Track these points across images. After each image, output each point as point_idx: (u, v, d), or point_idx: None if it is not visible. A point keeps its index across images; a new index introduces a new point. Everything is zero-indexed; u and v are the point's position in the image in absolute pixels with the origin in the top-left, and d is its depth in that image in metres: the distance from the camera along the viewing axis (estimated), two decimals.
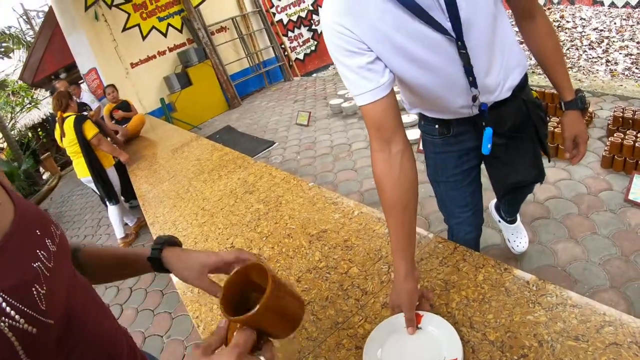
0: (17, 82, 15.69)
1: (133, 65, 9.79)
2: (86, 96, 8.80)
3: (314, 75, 11.59)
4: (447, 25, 1.20)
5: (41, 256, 0.71)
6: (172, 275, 1.79)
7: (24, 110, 15.55)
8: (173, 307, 3.65)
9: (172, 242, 1.09)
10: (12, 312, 0.61)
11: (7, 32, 13.42)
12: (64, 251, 0.80)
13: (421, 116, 1.74)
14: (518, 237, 2.74)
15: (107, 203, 5.00)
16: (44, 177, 13.57)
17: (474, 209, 1.88)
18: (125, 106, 6.45)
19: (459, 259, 1.40)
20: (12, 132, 14.17)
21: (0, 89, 13.46)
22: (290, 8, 12.15)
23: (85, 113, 5.28)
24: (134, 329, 3.65)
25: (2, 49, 12.49)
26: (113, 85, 6.53)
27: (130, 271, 1.11)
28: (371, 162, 1.33)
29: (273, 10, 11.70)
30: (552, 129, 3.78)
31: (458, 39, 1.23)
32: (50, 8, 10.11)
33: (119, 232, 5.13)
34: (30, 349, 0.63)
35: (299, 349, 1.31)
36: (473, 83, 1.37)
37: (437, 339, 1.15)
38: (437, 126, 1.67)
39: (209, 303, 1.67)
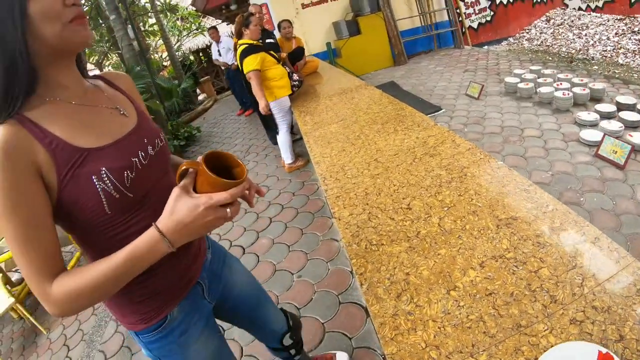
0: (186, 8, 16.55)
1: (304, 6, 9.96)
2: (225, 41, 9.17)
3: (486, 47, 11.00)
4: None
5: (140, 155, 1.13)
6: (335, 221, 1.76)
7: (190, 35, 16.55)
8: (311, 248, 3.68)
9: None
10: (107, 181, 1.01)
11: None
12: (160, 156, 1.23)
13: None
14: None
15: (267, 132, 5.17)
16: (200, 97, 14.40)
17: None
18: (300, 52, 6.47)
19: None
20: (177, 54, 15.24)
21: (170, 13, 14.31)
22: None
23: (267, 40, 5.38)
24: (266, 258, 3.75)
25: None
26: (289, 21, 6.55)
27: None
28: None
29: None
30: None
31: None
32: None
33: (287, 157, 5.31)
34: (111, 205, 1.04)
35: (474, 342, 1.19)
36: None
37: None
38: None
39: (376, 262, 1.59)
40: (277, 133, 5.17)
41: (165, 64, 16.41)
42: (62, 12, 0.95)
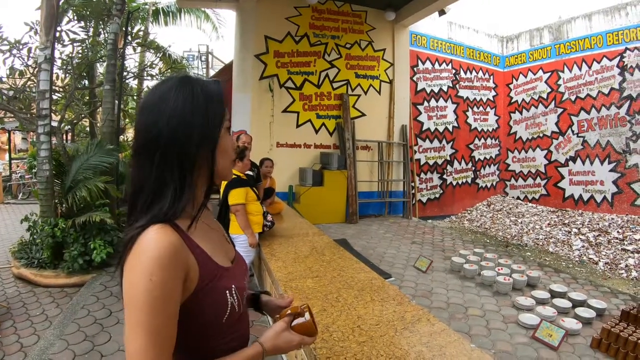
0: None
1: (279, 144, 10.66)
2: None
3: (430, 221, 11.94)
4: None
5: (245, 280, 1.39)
6: None
7: None
8: None
9: (267, 292, 1.66)
10: (235, 297, 1.22)
11: (180, 62, 15.00)
12: (247, 283, 1.44)
13: None
14: None
15: None
16: None
17: None
18: (270, 192, 6.81)
19: None
20: None
21: None
22: (430, 152, 12.95)
23: (251, 173, 5.68)
24: None
25: (175, 74, 13.89)
26: (272, 160, 6.94)
27: None
28: None
29: (415, 148, 12.44)
30: None
31: None
32: (230, 63, 11.54)
33: None
34: (229, 317, 1.21)
35: None
36: None
37: None
38: None
39: None
40: None
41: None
42: (231, 153, 1.28)
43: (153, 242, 1.04)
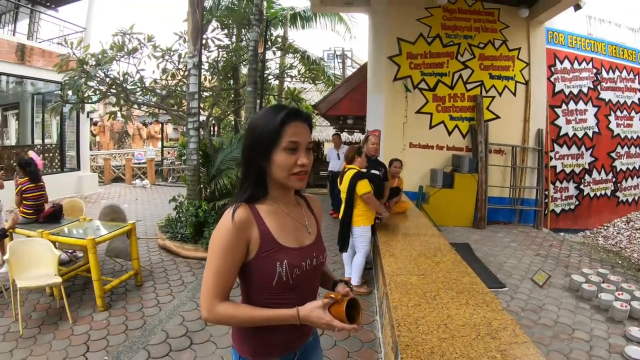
0: (310, 105, 17.80)
1: (411, 145, 11.06)
2: (345, 148, 10.22)
3: (562, 234, 11.43)
4: None
5: (307, 262, 1.68)
6: None
7: None
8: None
9: (345, 281, 1.90)
10: (284, 269, 1.57)
11: (318, 63, 15.87)
12: (318, 267, 1.77)
13: None
14: None
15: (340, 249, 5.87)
16: None
17: None
18: (397, 191, 7.13)
19: None
20: None
21: (294, 102, 15.41)
22: (567, 159, 12.26)
23: (372, 171, 6.17)
24: None
25: (313, 75, 14.73)
26: (401, 161, 7.25)
27: (322, 283, 1.95)
28: None
29: (551, 154, 11.91)
30: None
31: None
32: (365, 64, 11.99)
33: (355, 279, 5.81)
34: (278, 283, 1.58)
35: None
36: None
37: None
38: None
39: None
40: (343, 250, 5.88)
41: None
42: (292, 167, 1.56)
43: (228, 213, 1.56)
